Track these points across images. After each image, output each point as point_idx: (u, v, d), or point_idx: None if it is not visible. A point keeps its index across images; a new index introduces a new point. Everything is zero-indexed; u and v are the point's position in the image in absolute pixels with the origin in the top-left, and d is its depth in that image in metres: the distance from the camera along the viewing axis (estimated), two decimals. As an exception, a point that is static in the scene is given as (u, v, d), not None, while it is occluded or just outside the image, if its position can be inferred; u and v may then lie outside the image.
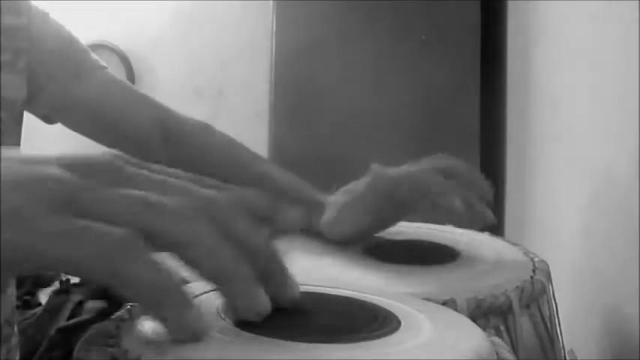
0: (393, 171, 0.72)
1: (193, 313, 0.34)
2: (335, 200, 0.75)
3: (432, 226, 0.79)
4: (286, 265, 0.39)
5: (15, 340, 0.76)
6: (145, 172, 0.36)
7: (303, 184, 0.80)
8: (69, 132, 0.85)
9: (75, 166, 0.35)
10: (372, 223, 0.74)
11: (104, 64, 0.85)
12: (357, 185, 0.74)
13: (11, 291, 0.75)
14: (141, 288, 0.32)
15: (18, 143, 0.74)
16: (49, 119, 0.83)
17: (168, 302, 0.33)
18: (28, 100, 0.77)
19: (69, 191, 0.33)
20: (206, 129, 0.87)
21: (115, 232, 0.32)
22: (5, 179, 0.32)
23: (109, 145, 0.83)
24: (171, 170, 0.38)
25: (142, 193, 0.34)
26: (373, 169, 0.72)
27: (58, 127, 0.87)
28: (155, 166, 0.37)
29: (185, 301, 0.33)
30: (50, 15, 0.80)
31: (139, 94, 0.86)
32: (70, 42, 0.82)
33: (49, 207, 0.32)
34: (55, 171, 0.34)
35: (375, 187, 0.71)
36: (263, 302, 0.36)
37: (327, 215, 0.74)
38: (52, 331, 1.48)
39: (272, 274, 0.38)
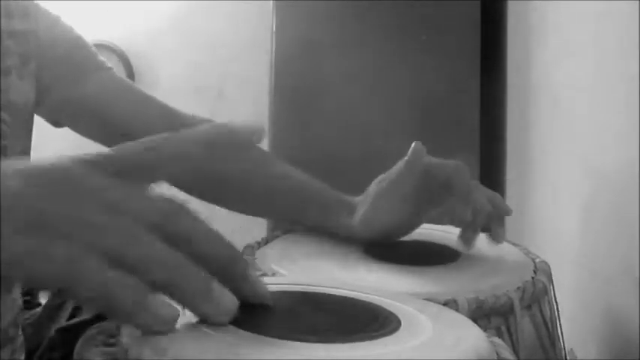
0: (430, 157, 0.71)
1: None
2: (366, 196, 0.73)
3: (432, 226, 0.79)
4: (247, 264, 0.39)
5: (20, 341, 0.76)
6: (106, 182, 0.37)
7: (323, 185, 0.78)
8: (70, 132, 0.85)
9: (34, 178, 0.36)
10: (410, 212, 0.71)
11: (110, 65, 0.84)
12: (392, 171, 0.72)
13: (16, 293, 0.75)
14: (93, 294, 0.34)
15: (28, 147, 0.74)
16: (57, 123, 0.83)
17: (120, 304, 0.34)
18: (36, 103, 0.76)
19: (27, 207, 0.35)
20: None
21: (63, 252, 0.34)
22: None
23: None
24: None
25: (94, 213, 0.35)
26: (412, 150, 0.70)
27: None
28: (111, 181, 0.37)
29: (140, 296, 0.34)
30: (61, 18, 0.80)
31: (146, 95, 0.85)
32: (78, 45, 0.81)
33: (13, 225, 0.34)
34: (14, 186, 0.35)
35: (412, 168, 0.69)
36: (226, 299, 0.37)
37: (361, 210, 0.72)
38: (52, 331, 1.47)
39: (231, 273, 0.38)
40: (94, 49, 0.83)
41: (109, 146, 0.85)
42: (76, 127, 0.83)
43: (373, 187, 0.73)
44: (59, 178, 0.36)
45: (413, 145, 0.70)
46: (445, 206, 0.71)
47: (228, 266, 0.38)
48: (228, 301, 0.37)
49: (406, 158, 0.70)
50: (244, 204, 0.83)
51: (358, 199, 0.74)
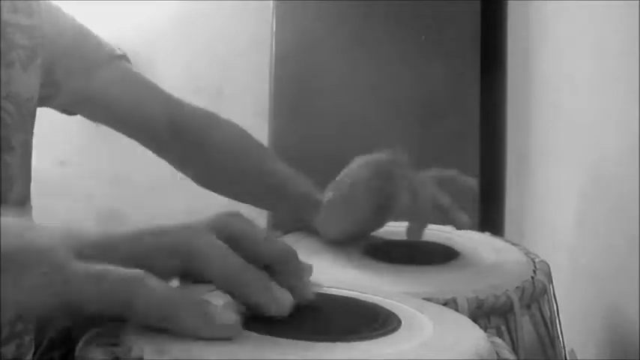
0: (374, 155, 0.73)
1: (213, 319, 0.36)
2: (325, 197, 0.75)
3: (432, 226, 0.79)
4: (301, 266, 0.41)
5: (28, 339, 0.76)
6: None
7: (303, 181, 0.81)
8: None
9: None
10: (361, 216, 0.73)
11: (120, 52, 0.85)
12: (341, 179, 0.74)
13: None
14: (153, 308, 0.36)
15: (29, 139, 0.75)
16: (68, 112, 0.83)
17: (185, 315, 0.36)
18: (47, 98, 0.77)
19: (85, 241, 0.38)
20: (215, 121, 0.89)
21: (123, 270, 0.36)
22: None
23: (124, 134, 0.85)
24: None
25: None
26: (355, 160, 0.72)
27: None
28: None
29: (200, 309, 0.36)
30: (61, 8, 0.80)
31: (152, 86, 0.87)
32: (84, 35, 0.82)
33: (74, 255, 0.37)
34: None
35: (358, 176, 0.71)
36: (282, 295, 0.38)
37: (320, 215, 0.74)
38: (52, 332, 1.47)
39: (285, 273, 0.40)
40: (98, 37, 0.84)
41: (117, 131, 0.87)
42: (86, 116, 0.85)
43: (327, 194, 0.74)
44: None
45: (352, 164, 0.72)
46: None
47: (283, 264, 0.40)
48: (285, 296, 0.39)
49: (349, 171, 0.72)
50: (224, 188, 0.87)
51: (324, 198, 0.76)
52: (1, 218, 0.38)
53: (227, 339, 0.36)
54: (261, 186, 0.83)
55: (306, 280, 0.42)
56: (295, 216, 0.79)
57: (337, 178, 0.75)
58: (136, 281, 0.36)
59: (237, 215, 0.40)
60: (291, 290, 0.40)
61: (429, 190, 0.71)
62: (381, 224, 0.77)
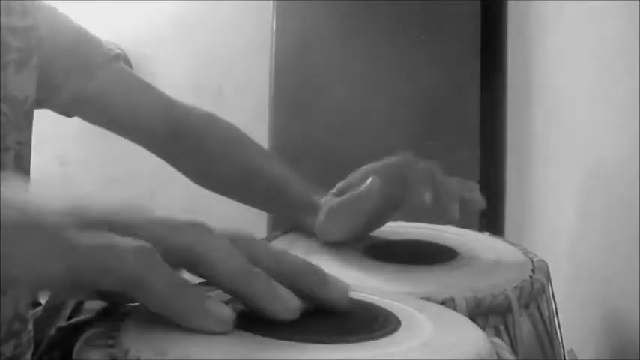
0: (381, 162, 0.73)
1: (210, 310, 0.36)
2: (326, 201, 0.74)
3: (431, 226, 0.79)
4: (323, 276, 0.41)
5: (26, 337, 0.76)
6: None
7: (299, 183, 0.80)
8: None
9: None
10: (366, 222, 0.74)
11: (117, 51, 0.86)
12: (349, 183, 0.73)
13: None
14: (157, 293, 0.35)
15: (28, 139, 0.75)
16: (67, 113, 0.84)
17: (186, 300, 0.35)
18: (46, 100, 0.78)
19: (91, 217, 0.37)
20: (213, 121, 0.89)
21: (134, 241, 0.35)
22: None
23: (122, 136, 0.86)
24: None
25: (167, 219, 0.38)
26: (368, 186, 0.70)
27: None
28: None
29: (201, 298, 0.36)
30: (58, 10, 0.80)
31: (147, 86, 0.87)
32: (82, 35, 0.82)
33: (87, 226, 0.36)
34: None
35: (366, 202, 0.70)
36: (288, 297, 0.38)
37: (319, 218, 0.74)
38: (52, 331, 1.47)
39: (303, 275, 0.40)
40: (96, 37, 0.84)
41: (115, 133, 0.88)
42: (84, 118, 0.85)
43: (328, 200, 0.74)
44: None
45: (369, 180, 0.69)
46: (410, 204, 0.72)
47: (304, 277, 0.40)
48: (292, 299, 0.38)
49: (360, 191, 0.70)
50: (221, 188, 0.87)
51: (322, 201, 0.75)
52: (1, 190, 0.36)
53: (220, 333, 0.36)
54: (256, 186, 0.83)
55: (333, 289, 0.41)
56: (291, 217, 0.79)
57: (340, 185, 0.75)
58: (149, 255, 0.35)
59: (248, 236, 0.40)
60: (320, 302, 0.40)
61: (454, 189, 0.71)
62: (382, 225, 0.77)
